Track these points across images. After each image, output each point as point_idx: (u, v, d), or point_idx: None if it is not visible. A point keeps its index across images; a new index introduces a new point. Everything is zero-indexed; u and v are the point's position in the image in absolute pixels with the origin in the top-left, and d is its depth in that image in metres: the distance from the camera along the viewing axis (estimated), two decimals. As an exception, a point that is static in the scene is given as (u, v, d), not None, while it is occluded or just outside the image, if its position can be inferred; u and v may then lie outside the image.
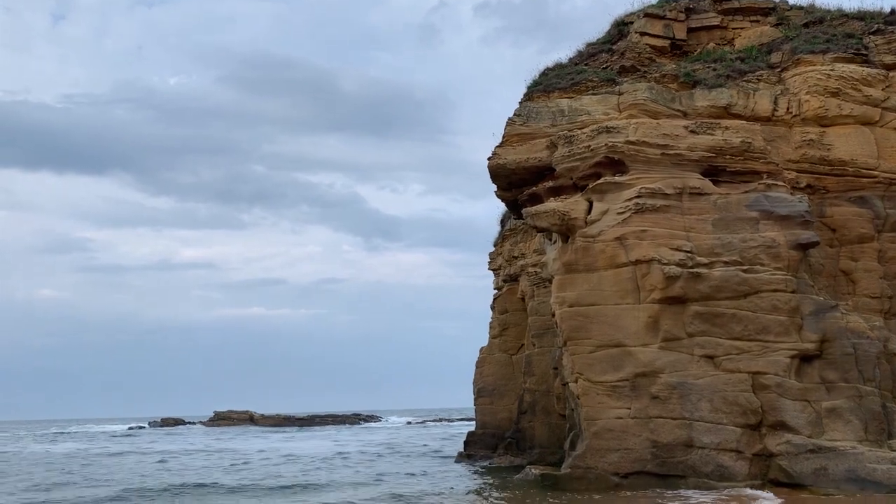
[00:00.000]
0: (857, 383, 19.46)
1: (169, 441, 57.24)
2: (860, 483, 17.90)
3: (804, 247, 20.33)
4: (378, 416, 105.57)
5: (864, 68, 22.29)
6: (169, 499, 21.81)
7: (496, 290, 34.67)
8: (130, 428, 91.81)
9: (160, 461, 36.51)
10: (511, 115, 22.92)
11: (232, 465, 33.33)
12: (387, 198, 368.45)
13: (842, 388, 19.49)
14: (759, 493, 17.98)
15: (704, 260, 20.14)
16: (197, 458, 37.64)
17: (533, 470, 23.02)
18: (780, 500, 17.18)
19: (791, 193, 20.93)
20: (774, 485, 18.85)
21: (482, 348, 34.94)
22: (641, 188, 20.61)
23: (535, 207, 22.00)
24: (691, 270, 19.95)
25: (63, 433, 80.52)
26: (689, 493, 18.46)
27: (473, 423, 36.82)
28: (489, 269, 35.14)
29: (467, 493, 21.99)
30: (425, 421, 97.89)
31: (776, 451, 19.15)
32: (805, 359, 19.74)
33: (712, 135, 21.23)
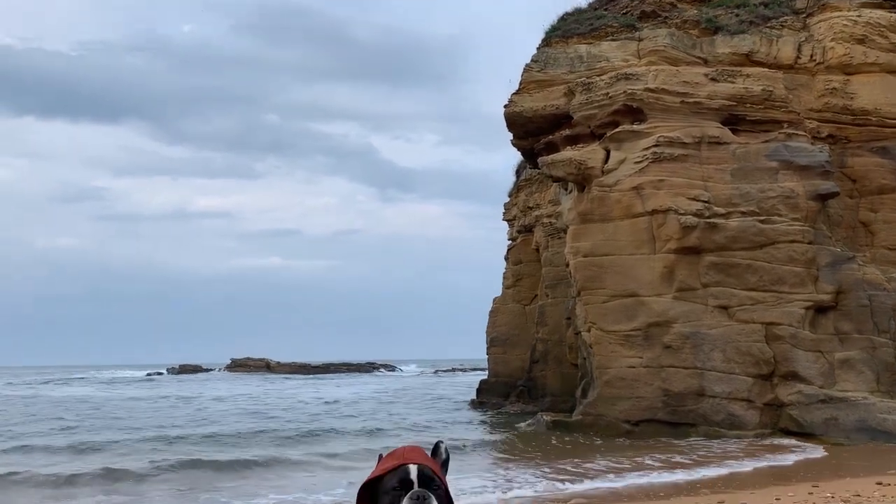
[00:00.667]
0: (872, 335, 19.42)
1: (195, 387, 57.90)
2: (870, 433, 17.99)
3: (823, 197, 20.09)
4: (393, 366, 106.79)
5: (893, 14, 21.66)
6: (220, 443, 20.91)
7: (510, 241, 34.63)
8: (149, 374, 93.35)
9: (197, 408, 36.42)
10: (528, 61, 22.56)
11: (253, 411, 33.77)
12: (401, 148, 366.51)
13: (855, 340, 19.46)
14: (801, 442, 17.94)
15: (721, 210, 19.97)
16: (220, 403, 38.17)
17: (544, 416, 23.29)
18: (821, 448, 17.24)
19: (812, 143, 20.60)
20: (784, 434, 19.01)
21: (496, 298, 35.07)
22: (660, 137, 20.35)
23: (551, 156, 21.80)
24: (708, 220, 19.80)
25: (80, 378, 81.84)
26: (701, 440, 18.67)
27: (486, 373, 37.20)
28: (504, 219, 35.04)
29: (477, 432, 22.31)
30: (438, 371, 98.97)
31: (787, 400, 19.25)
32: (820, 310, 19.68)
33: (733, 83, 20.83)
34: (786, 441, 18.28)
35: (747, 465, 14.94)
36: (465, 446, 18.76)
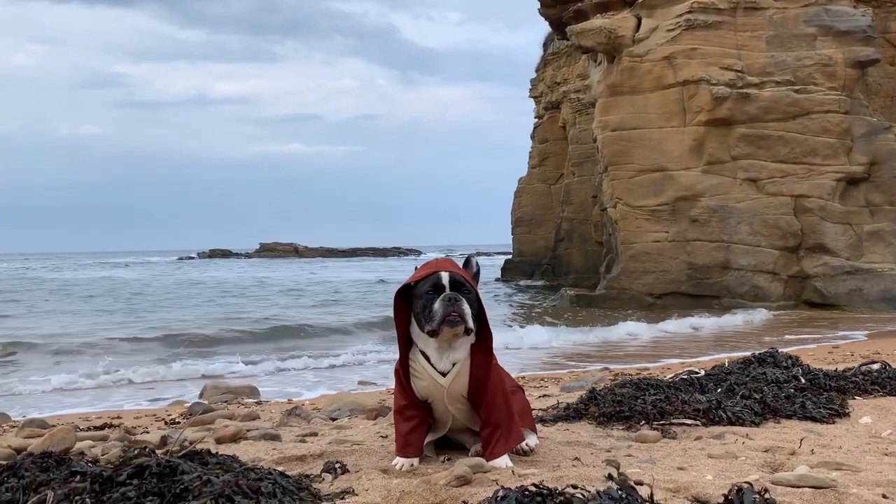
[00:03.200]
0: (903, 206, 19.16)
1: (227, 269, 59.33)
2: (894, 303, 18.10)
3: (863, 65, 19.34)
4: (418, 251, 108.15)
5: None
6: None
7: (537, 119, 34.07)
8: (180, 259, 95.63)
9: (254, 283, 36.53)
10: (557, -77, 21.40)
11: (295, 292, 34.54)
12: (423, 27, 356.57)
13: (886, 212, 19.24)
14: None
15: (755, 80, 19.35)
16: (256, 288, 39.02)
17: (568, 291, 23.67)
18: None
19: (854, 6, 19.62)
20: (807, 305, 19.20)
21: (521, 178, 34.92)
22: (693, 2, 19.49)
23: (580, 25, 21.06)
24: (740, 91, 19.24)
25: (119, 263, 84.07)
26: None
27: (510, 255, 37.45)
28: (530, 96, 34.33)
29: (502, 307, 22.75)
30: (462, 254, 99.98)
31: (813, 272, 19.30)
32: (851, 182, 19.37)
33: (774, -57, 19.66)
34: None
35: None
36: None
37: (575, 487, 2.14)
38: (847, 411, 4.22)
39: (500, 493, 2.14)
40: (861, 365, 5.47)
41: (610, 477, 2.09)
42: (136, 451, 2.54)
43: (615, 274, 21.23)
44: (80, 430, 5.31)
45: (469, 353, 3.13)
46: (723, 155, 19.78)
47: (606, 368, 9.67)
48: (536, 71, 33.92)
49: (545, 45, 32.99)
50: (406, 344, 3.20)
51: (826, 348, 11.27)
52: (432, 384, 3.12)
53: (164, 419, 6.52)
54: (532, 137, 34.33)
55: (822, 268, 19.16)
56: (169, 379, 10.11)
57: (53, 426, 4.73)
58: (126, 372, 10.16)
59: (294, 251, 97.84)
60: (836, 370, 5.19)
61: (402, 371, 3.19)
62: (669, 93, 20.02)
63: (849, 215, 19.28)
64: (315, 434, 4.24)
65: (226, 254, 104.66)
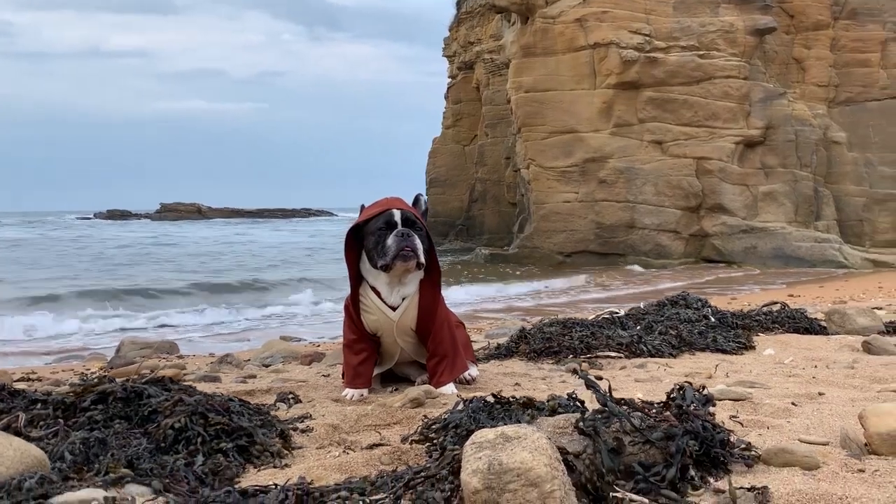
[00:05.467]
0: (795, 168, 20.40)
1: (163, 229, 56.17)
2: (785, 259, 19.37)
3: (761, 32, 20.30)
4: (330, 212, 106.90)
5: None
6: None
7: (450, 79, 34.04)
8: (79, 219, 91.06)
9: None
10: None
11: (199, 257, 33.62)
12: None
13: (779, 174, 20.44)
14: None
15: (662, 44, 20.03)
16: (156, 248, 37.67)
17: (483, 250, 24.12)
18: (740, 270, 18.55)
19: (754, -23, 20.48)
20: (706, 262, 20.29)
21: (435, 139, 34.93)
22: (605, -34, 19.88)
23: (494, -15, 21.14)
24: (648, 55, 19.88)
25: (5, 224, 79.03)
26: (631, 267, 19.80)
27: (424, 213, 37.52)
28: (443, 55, 34.23)
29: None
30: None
31: (712, 231, 20.37)
32: (749, 145, 20.44)
33: (682, -90, 20.22)
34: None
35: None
36: None
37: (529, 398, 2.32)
38: (753, 345, 4.61)
39: (466, 400, 2.30)
40: (763, 306, 5.93)
41: (575, 371, 2.28)
42: (95, 379, 2.56)
43: (527, 233, 21.77)
44: None
45: (418, 288, 3.26)
46: (630, 118, 20.45)
47: (525, 319, 10.02)
48: (450, 30, 33.78)
49: (458, 4, 32.87)
50: (356, 280, 3.30)
51: (725, 298, 12.01)
52: (382, 318, 3.25)
53: (83, 373, 6.36)
54: (446, 98, 34.32)
55: (720, 227, 20.24)
56: (81, 335, 9.79)
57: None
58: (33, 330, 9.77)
59: (197, 212, 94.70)
60: (741, 310, 5.62)
61: (353, 306, 3.29)
62: (581, 55, 20.47)
63: (745, 177, 20.38)
64: (254, 376, 4.29)
65: (124, 214, 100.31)
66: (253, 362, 5.48)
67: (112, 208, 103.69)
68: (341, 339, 3.53)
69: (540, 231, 21.32)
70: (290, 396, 3.08)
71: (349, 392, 3.22)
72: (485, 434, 1.55)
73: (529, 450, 1.43)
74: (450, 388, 3.20)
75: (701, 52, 19.94)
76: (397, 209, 3.22)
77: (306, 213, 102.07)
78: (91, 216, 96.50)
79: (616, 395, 3.12)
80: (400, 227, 3.16)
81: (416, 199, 3.44)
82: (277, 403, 3.00)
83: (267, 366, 5.30)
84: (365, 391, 3.24)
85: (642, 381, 3.45)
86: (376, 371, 3.41)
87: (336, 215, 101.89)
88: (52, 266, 23.19)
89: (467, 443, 1.56)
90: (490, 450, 1.48)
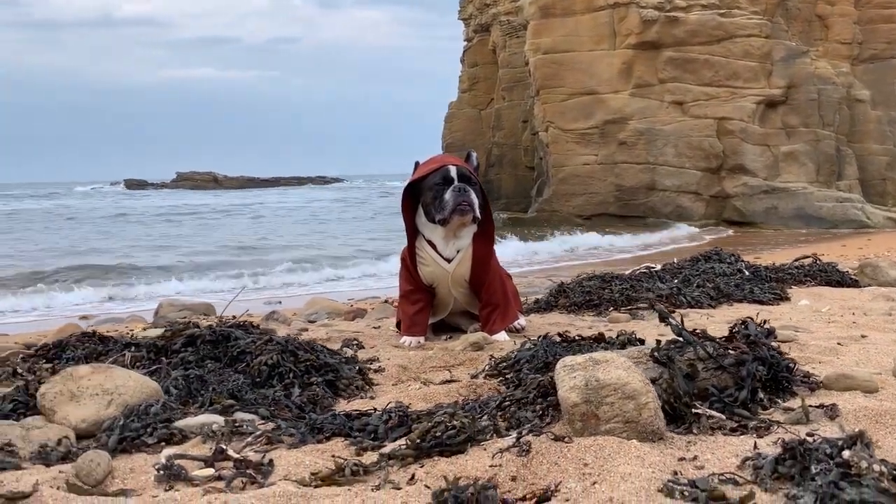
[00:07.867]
0: (817, 128, 20.24)
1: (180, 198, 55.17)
2: (806, 219, 19.32)
3: (784, -10, 20.01)
4: (343, 179, 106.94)
5: None
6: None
7: (466, 42, 33.79)
8: (93, 188, 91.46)
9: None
10: None
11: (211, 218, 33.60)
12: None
13: (801, 133, 20.29)
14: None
15: (682, 3, 19.81)
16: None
17: (500, 215, 24.18)
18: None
19: (778, -68, 20.14)
20: (728, 224, 20.27)
21: (451, 103, 34.79)
22: (625, -76, 19.60)
23: (512, -55, 20.90)
24: (668, 14, 19.68)
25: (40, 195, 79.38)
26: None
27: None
28: (459, 18, 33.95)
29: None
30: (384, 182, 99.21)
31: (732, 192, 20.31)
32: (770, 104, 20.26)
33: None
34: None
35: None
36: None
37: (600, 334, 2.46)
38: (788, 296, 4.73)
39: (535, 339, 2.44)
40: (795, 260, 6.03)
41: (651, 305, 2.41)
42: (181, 325, 2.72)
43: (546, 197, 21.80)
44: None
45: (472, 241, 3.40)
46: (650, 78, 20.31)
47: (550, 279, 10.13)
48: (465, -8, 33.44)
49: (474, -33, 32.46)
50: (412, 234, 3.44)
51: (749, 257, 12.07)
52: (438, 270, 3.39)
53: (127, 334, 6.56)
54: (462, 61, 34.11)
55: (741, 187, 20.17)
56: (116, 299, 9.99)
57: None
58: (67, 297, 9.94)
59: (213, 181, 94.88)
60: (773, 264, 5.73)
61: (410, 258, 3.44)
62: (600, 15, 20.29)
63: (767, 137, 20.24)
64: (306, 329, 4.46)
65: (141, 184, 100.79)
66: (299, 318, 5.66)
67: (129, 178, 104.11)
68: (387, 297, 3.68)
69: (559, 194, 21.34)
70: (354, 342, 3.24)
71: (407, 339, 3.38)
72: (574, 359, 1.69)
73: (623, 368, 1.57)
74: (502, 336, 3.35)
75: (722, 11, 19.71)
76: (453, 165, 3.34)
77: (322, 180, 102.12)
78: (107, 185, 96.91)
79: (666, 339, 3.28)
80: (456, 182, 3.29)
81: (468, 156, 3.57)
82: (343, 349, 3.16)
83: (312, 321, 5.48)
84: (422, 338, 3.40)
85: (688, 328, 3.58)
86: (431, 320, 3.57)
87: (346, 181, 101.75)
88: (115, 237, 21.99)
89: (557, 367, 1.70)
90: (582, 371, 1.62)
